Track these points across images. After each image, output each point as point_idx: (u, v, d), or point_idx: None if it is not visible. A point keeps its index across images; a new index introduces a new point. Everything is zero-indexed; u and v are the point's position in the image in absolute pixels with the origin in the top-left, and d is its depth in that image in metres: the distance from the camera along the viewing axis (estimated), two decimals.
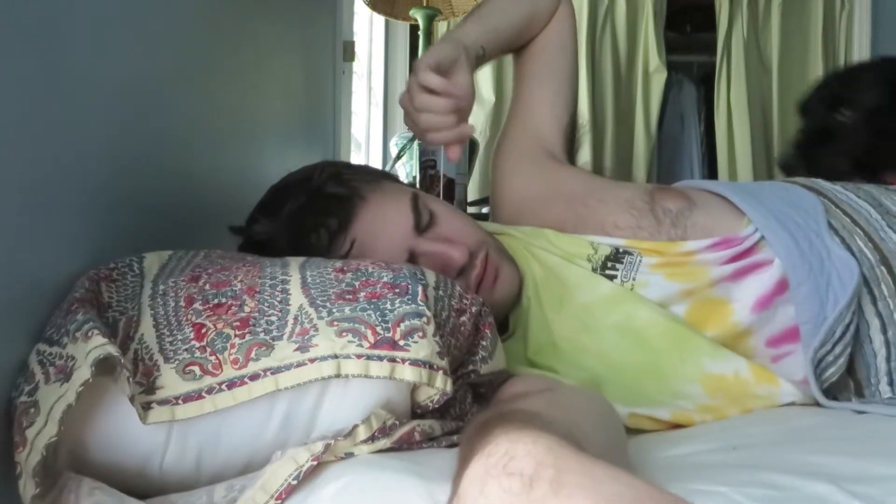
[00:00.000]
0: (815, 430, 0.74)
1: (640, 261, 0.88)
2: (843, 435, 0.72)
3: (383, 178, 0.95)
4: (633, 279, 0.87)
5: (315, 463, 0.55)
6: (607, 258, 0.89)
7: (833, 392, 0.83)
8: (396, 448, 0.60)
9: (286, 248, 0.83)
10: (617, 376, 0.84)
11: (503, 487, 0.38)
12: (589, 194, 0.97)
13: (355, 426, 0.59)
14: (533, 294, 0.91)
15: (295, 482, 0.54)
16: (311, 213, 0.86)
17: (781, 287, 0.84)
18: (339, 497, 0.53)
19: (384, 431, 0.60)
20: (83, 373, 0.55)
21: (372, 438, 0.59)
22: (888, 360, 0.82)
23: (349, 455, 0.58)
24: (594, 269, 0.89)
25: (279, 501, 0.54)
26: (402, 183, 1.02)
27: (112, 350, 0.56)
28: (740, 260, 0.86)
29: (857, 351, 0.83)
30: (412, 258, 0.85)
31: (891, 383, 0.81)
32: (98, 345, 0.57)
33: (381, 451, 0.60)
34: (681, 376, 0.82)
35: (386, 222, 0.86)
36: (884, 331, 0.82)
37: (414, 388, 0.65)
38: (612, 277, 0.88)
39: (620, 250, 0.89)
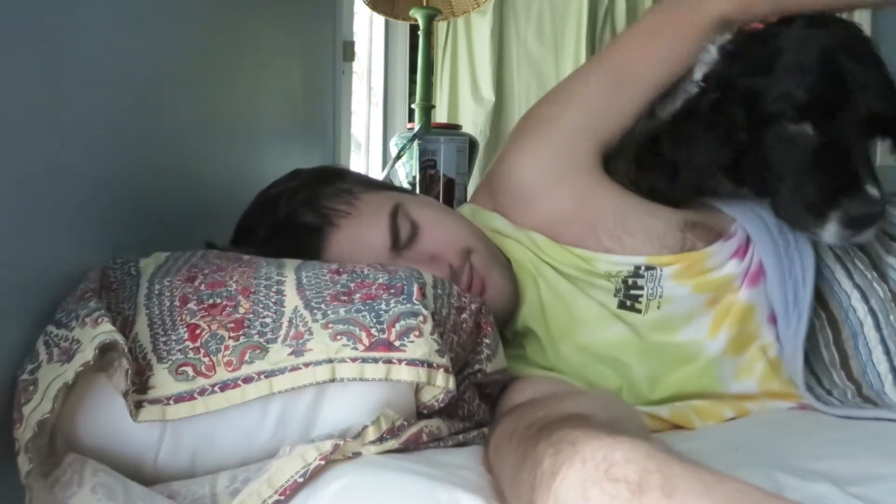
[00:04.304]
0: (815, 432, 0.74)
1: (662, 273, 0.85)
2: (843, 436, 0.72)
3: (364, 189, 0.89)
4: (660, 296, 0.85)
5: (323, 462, 0.54)
6: (628, 275, 0.86)
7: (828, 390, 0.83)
8: (403, 449, 0.60)
9: None
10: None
11: (609, 493, 0.38)
12: (617, 225, 0.88)
13: (365, 427, 0.58)
14: (534, 318, 0.89)
15: (301, 479, 0.53)
16: (280, 245, 0.82)
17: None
18: (340, 496, 0.52)
19: (393, 432, 0.59)
20: (86, 354, 0.55)
21: (381, 439, 0.58)
22: (888, 354, 0.81)
23: (356, 455, 0.57)
24: (616, 290, 0.86)
25: (283, 497, 0.53)
26: (386, 189, 0.96)
27: (118, 338, 0.57)
28: (744, 256, 0.87)
29: (845, 345, 0.83)
30: None
31: None
32: (106, 331, 0.57)
33: (387, 451, 0.59)
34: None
35: (360, 247, 0.83)
36: (876, 326, 0.82)
37: (418, 389, 0.64)
38: (637, 297, 0.86)
39: (641, 269, 0.86)
